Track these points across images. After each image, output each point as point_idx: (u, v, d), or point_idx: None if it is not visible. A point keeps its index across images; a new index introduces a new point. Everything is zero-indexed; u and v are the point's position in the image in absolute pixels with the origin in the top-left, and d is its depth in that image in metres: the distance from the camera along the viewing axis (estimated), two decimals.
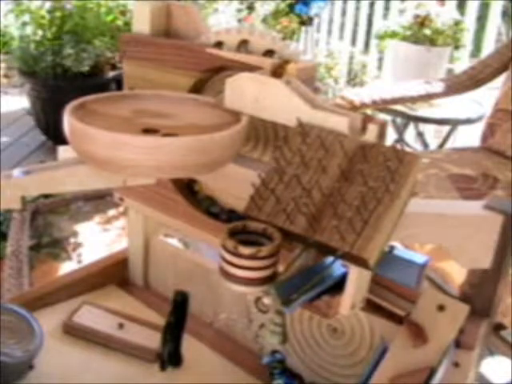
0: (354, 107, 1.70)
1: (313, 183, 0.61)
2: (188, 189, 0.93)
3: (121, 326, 0.96)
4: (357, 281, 0.60)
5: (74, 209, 1.73)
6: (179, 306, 0.88)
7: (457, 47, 2.53)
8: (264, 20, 3.48)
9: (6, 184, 0.72)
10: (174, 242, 1.40)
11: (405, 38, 2.49)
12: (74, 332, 0.95)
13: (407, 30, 2.50)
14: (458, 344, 0.72)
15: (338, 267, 0.63)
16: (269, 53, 0.77)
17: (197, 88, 0.85)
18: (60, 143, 0.75)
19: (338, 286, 0.62)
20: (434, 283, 1.31)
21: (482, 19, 2.87)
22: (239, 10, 3.45)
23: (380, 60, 3.29)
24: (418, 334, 0.69)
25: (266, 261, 0.58)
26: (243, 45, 0.79)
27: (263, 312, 0.89)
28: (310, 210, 0.59)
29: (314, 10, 3.31)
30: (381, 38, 2.64)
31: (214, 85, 0.85)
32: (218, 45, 0.81)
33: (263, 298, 0.86)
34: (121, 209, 2.07)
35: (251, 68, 0.75)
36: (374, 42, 3.24)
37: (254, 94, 0.70)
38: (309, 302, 0.62)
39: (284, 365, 0.87)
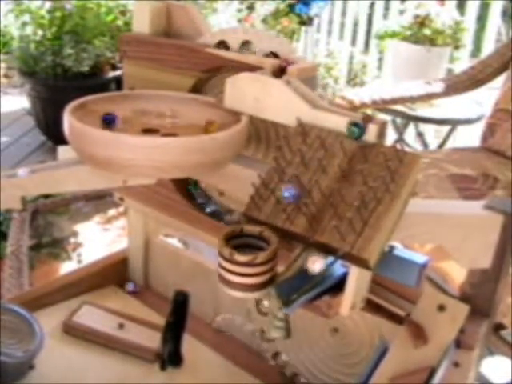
0: (354, 107, 1.70)
1: (313, 183, 0.61)
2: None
3: (121, 325, 0.96)
4: (357, 281, 0.60)
5: (74, 209, 1.73)
6: (179, 306, 0.88)
7: (457, 47, 2.53)
8: (264, 20, 3.48)
9: (6, 184, 0.72)
10: (174, 241, 1.40)
11: (405, 38, 2.49)
12: (73, 332, 0.95)
13: (407, 30, 2.50)
14: (458, 344, 0.72)
15: (338, 267, 0.63)
16: (272, 55, 0.77)
17: (197, 88, 0.84)
18: (60, 143, 0.75)
19: (338, 286, 0.62)
20: (434, 283, 1.31)
21: (482, 19, 2.87)
22: (239, 10, 3.45)
23: (380, 60, 3.29)
24: (418, 334, 0.69)
25: (262, 267, 0.57)
26: (246, 45, 0.79)
27: (264, 314, 0.89)
28: (310, 210, 0.59)
29: (313, 10, 3.30)
30: (381, 38, 2.63)
31: (213, 85, 0.85)
32: (222, 43, 0.81)
33: (263, 300, 0.86)
34: (121, 209, 2.07)
35: (251, 68, 0.75)
36: (374, 41, 3.24)
37: (254, 94, 0.70)
38: (309, 302, 0.62)
39: None
